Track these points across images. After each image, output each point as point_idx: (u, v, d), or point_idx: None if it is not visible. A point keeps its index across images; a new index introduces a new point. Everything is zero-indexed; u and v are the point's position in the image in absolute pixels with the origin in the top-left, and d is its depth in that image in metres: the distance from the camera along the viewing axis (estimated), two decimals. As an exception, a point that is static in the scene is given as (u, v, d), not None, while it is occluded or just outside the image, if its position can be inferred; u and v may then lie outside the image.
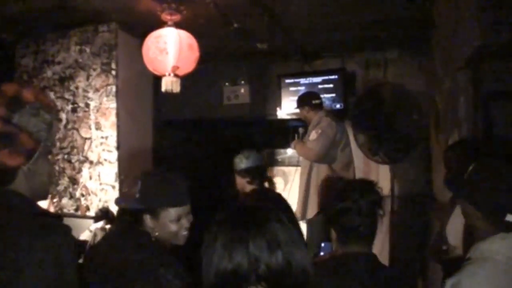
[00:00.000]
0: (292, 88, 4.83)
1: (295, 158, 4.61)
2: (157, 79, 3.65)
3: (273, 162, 5.21)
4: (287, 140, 4.14)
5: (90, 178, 3.94)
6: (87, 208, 3.93)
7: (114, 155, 3.86)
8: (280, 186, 5.15)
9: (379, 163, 4.29)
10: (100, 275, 1.64)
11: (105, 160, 3.89)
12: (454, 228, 2.16)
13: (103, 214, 3.64)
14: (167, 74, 3.38)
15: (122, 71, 3.92)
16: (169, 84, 3.40)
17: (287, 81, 4.87)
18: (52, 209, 3.84)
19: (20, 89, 1.19)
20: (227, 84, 5.23)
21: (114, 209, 3.66)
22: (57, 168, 4.01)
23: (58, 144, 3.95)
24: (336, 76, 4.66)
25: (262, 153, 4.78)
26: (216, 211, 1.12)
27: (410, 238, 4.20)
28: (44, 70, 4.12)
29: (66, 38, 4.03)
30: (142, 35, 3.52)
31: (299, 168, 4.12)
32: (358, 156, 4.10)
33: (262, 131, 5.22)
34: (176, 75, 3.39)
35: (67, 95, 4.02)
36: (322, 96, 4.13)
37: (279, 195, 3.16)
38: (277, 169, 5.18)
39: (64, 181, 4.02)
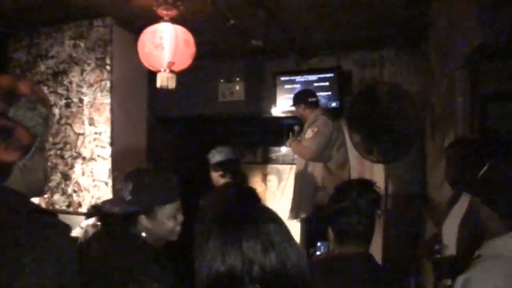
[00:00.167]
0: (287, 86, 4.81)
1: (289, 156, 4.61)
2: (152, 75, 3.62)
3: (268, 160, 5.21)
4: (282, 138, 4.13)
5: (83, 174, 3.90)
6: (79, 205, 3.89)
7: (107, 151, 3.82)
8: (274, 184, 5.17)
9: (373, 162, 4.29)
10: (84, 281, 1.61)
11: (98, 156, 3.85)
12: (449, 227, 2.15)
13: (95, 210, 3.60)
14: (162, 69, 3.34)
15: (116, 66, 3.87)
16: (164, 80, 3.37)
17: (283, 79, 4.85)
18: (43, 205, 3.81)
19: (15, 82, 1.13)
20: (222, 81, 5.21)
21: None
22: (49, 163, 3.96)
23: (50, 139, 3.91)
24: (332, 75, 4.64)
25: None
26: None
27: (403, 237, 4.20)
28: (37, 65, 4.07)
29: (60, 33, 3.98)
30: (137, 30, 3.48)
31: (293, 166, 4.11)
32: (352, 155, 4.09)
33: (257, 129, 5.20)
34: (171, 71, 3.36)
35: (60, 90, 3.98)
36: (317, 94, 4.12)
37: (252, 190, 3.22)
38: (271, 167, 5.18)
39: (57, 177, 3.98)
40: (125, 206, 1.69)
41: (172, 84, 3.40)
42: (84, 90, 3.90)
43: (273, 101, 4.86)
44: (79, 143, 3.91)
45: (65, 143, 3.96)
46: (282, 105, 4.77)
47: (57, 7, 3.57)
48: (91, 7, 3.62)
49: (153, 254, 1.69)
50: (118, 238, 1.71)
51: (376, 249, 3.81)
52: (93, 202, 3.80)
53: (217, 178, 3.12)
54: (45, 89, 3.97)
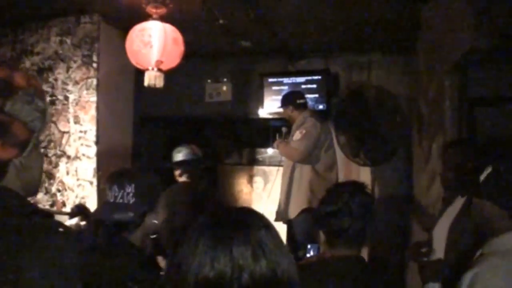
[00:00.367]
0: (275, 88, 4.79)
1: (276, 158, 4.59)
2: (139, 74, 3.58)
3: (254, 161, 5.18)
4: (269, 140, 4.11)
5: (67, 173, 3.84)
6: (63, 204, 3.83)
7: (92, 150, 3.76)
8: (260, 186, 5.15)
9: (360, 165, 4.31)
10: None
11: (83, 155, 3.78)
12: (441, 230, 2.15)
13: (79, 210, 3.55)
14: (150, 68, 3.30)
15: (103, 64, 3.82)
16: (152, 78, 3.32)
17: (270, 80, 4.84)
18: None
19: (11, 73, 1.04)
20: (209, 81, 5.17)
21: (90, 205, 3.58)
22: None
23: (34, 137, 3.83)
24: (319, 77, 4.64)
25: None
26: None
27: (390, 239, 4.22)
28: (22, 61, 3.98)
29: (46, 28, 3.91)
30: (125, 28, 3.43)
31: (280, 168, 4.09)
32: (339, 157, 4.10)
33: (244, 130, 5.18)
34: (159, 70, 3.32)
35: (45, 87, 3.88)
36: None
37: (208, 190, 3.32)
38: (258, 168, 5.15)
39: (40, 176, 3.90)
40: (135, 208, 1.65)
41: (160, 83, 3.36)
42: (69, 87, 3.84)
43: (260, 102, 4.85)
44: (63, 141, 3.84)
45: (49, 141, 3.89)
46: (269, 106, 4.75)
47: (43, 2, 3.51)
48: (78, 3, 3.56)
49: (143, 257, 1.67)
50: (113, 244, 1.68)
51: (362, 252, 3.82)
52: (77, 201, 3.74)
53: (177, 177, 3.30)
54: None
